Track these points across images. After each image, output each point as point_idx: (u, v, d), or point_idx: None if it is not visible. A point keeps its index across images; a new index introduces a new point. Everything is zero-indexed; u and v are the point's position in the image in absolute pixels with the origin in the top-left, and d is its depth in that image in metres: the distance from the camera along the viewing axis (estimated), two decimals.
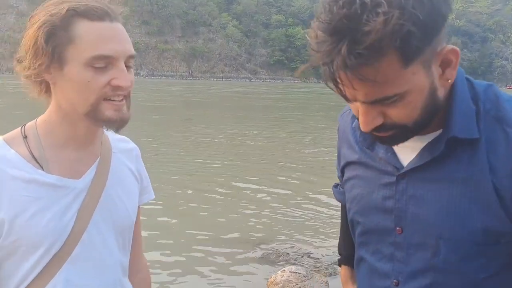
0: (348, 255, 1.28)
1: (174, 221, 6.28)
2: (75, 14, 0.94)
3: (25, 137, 1.01)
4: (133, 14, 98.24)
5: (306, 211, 6.79)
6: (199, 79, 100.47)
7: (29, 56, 0.96)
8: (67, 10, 0.94)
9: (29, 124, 1.05)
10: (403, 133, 0.87)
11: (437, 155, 0.90)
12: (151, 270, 1.14)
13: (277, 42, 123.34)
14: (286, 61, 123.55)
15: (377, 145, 0.99)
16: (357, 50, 0.72)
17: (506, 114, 0.88)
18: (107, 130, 1.03)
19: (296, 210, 6.83)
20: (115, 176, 1.09)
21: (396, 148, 0.96)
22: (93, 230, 1.03)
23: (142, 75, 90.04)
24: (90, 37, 0.94)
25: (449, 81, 0.86)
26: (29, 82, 1.00)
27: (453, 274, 0.90)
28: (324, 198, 7.43)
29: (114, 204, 1.07)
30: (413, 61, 0.77)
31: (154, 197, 1.24)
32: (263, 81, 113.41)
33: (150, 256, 4.85)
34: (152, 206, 6.45)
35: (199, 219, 6.42)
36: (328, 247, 5.46)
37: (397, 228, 0.96)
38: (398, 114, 0.83)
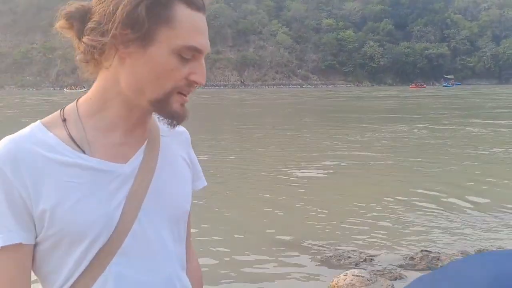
0: None
1: (224, 223, 6.20)
2: None
3: (64, 120, 0.93)
4: None
5: (366, 214, 6.52)
6: (250, 87, 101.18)
7: (115, 22, 0.85)
8: None
9: (69, 106, 0.97)
10: None
11: None
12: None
13: (328, 47, 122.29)
14: (337, 65, 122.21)
15: None
16: None
17: None
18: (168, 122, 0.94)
19: (355, 213, 6.58)
20: (165, 161, 1.00)
21: None
22: (144, 219, 0.94)
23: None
24: (188, 25, 0.88)
25: None
26: (90, 47, 0.89)
27: None
28: (386, 200, 7.13)
29: (165, 192, 0.98)
30: None
31: (206, 184, 1.15)
32: (314, 86, 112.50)
33: (201, 257, 4.81)
34: (200, 202, 6.45)
35: (253, 220, 6.33)
36: (391, 250, 5.18)
37: None
38: None
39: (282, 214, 6.63)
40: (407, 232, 5.78)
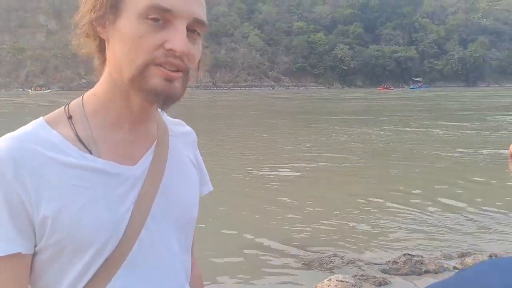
0: None
1: (209, 224, 5.99)
2: None
3: (69, 117, 0.86)
4: None
5: (344, 217, 6.43)
6: (222, 89, 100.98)
7: (86, 3, 0.81)
8: None
9: (74, 101, 0.89)
10: None
11: None
12: None
13: (299, 49, 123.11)
14: (309, 67, 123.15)
15: None
16: None
17: None
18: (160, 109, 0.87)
19: (332, 216, 6.47)
20: (174, 163, 0.93)
21: None
22: (152, 226, 0.86)
23: None
24: None
25: None
26: (84, 37, 0.84)
27: None
28: (362, 203, 7.07)
29: (174, 196, 0.91)
30: None
31: (212, 189, 1.08)
32: (286, 88, 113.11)
33: None
34: None
35: (236, 224, 6.14)
36: (372, 254, 5.09)
37: None
38: None
39: (257, 217, 6.47)
40: (386, 234, 5.70)
